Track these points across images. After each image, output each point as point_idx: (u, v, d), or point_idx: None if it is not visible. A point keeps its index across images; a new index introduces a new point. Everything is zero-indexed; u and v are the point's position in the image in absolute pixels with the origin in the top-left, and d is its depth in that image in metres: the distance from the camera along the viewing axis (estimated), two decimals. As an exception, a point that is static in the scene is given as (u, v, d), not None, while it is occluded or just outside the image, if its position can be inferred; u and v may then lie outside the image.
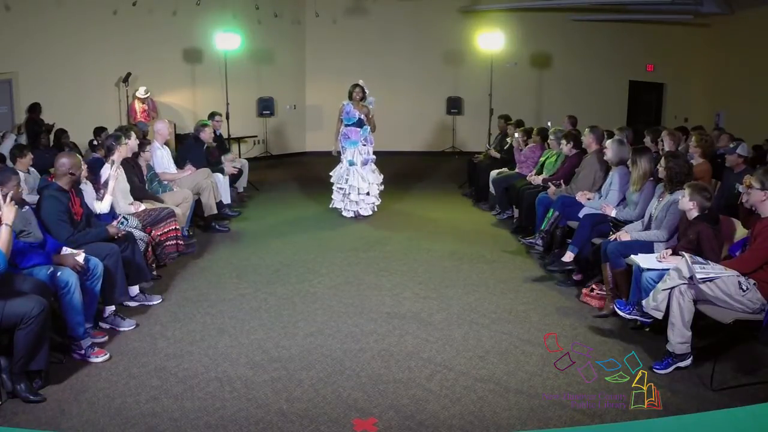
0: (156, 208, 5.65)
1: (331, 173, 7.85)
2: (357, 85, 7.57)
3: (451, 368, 3.78)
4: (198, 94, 11.85)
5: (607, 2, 12.71)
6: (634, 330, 4.28)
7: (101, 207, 4.97)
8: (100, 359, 3.80)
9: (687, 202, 4.10)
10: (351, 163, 7.59)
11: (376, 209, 7.82)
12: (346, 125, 7.59)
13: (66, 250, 4.01)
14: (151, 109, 10.63)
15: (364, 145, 7.61)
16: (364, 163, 7.61)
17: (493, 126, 11.56)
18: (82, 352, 3.79)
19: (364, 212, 7.76)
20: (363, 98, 7.56)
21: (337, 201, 7.82)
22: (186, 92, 11.80)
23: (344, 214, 7.73)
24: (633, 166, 5.05)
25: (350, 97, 7.58)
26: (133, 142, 5.80)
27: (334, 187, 7.80)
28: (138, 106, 10.44)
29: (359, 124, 7.57)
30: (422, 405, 3.35)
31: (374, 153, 7.81)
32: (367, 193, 7.69)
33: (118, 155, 5.43)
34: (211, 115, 8.84)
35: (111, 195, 5.05)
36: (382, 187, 7.79)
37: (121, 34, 10.52)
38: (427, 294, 5.08)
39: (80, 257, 3.94)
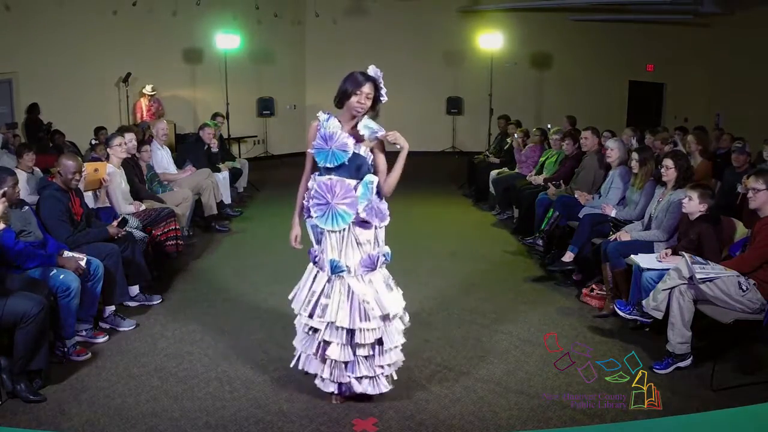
0: (156, 208, 5.65)
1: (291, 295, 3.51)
2: (367, 77, 3.15)
3: (451, 368, 3.78)
4: (198, 94, 11.86)
5: (607, 2, 12.71)
6: (634, 330, 4.28)
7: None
8: (81, 358, 3.79)
9: (696, 205, 4.07)
10: (336, 268, 3.19)
11: (394, 377, 3.37)
12: (323, 168, 3.21)
13: (68, 253, 4.01)
14: (157, 107, 10.64)
15: (365, 222, 3.20)
16: (368, 266, 3.21)
17: (493, 126, 11.58)
18: (65, 350, 3.78)
19: (369, 388, 3.26)
20: (373, 112, 3.27)
21: (303, 355, 3.37)
22: (186, 92, 11.80)
23: (317, 383, 3.34)
24: (640, 166, 5.04)
25: (339, 105, 3.23)
26: (129, 142, 5.79)
27: (297, 323, 3.44)
28: (144, 103, 10.45)
29: (355, 169, 3.22)
30: (422, 405, 3.35)
31: None
32: (379, 342, 3.22)
33: (116, 159, 5.44)
34: (213, 117, 8.88)
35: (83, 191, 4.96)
36: (407, 320, 3.42)
37: (121, 34, 10.53)
38: (427, 294, 5.07)
39: (83, 261, 3.94)
